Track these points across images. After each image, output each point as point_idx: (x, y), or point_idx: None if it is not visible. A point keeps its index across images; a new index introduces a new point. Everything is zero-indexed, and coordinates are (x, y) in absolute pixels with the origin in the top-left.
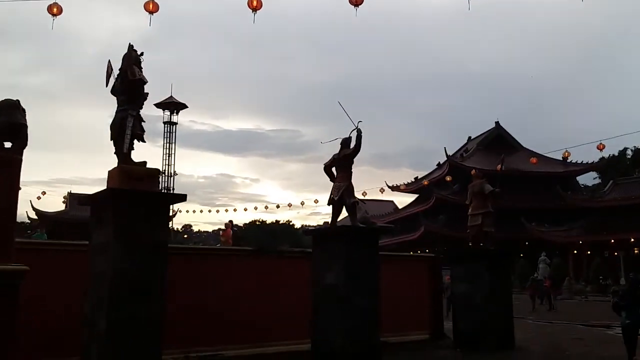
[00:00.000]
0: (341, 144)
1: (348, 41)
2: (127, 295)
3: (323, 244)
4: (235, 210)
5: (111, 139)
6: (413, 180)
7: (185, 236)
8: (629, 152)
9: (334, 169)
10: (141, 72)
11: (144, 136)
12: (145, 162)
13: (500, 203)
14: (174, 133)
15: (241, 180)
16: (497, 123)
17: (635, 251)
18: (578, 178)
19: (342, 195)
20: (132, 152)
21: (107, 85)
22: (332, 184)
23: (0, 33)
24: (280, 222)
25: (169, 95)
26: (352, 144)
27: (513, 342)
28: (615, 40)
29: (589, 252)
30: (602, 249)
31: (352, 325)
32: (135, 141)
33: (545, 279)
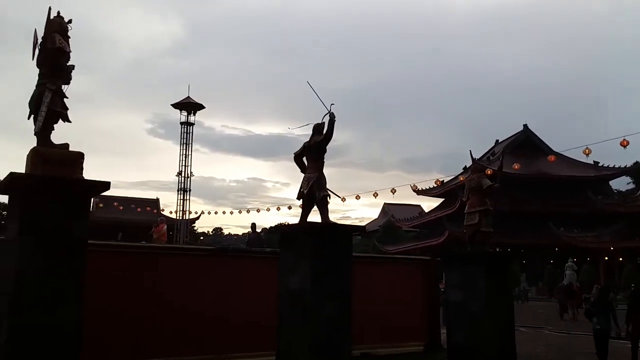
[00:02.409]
0: (313, 130)
1: (378, 46)
2: (34, 301)
3: (289, 243)
4: (264, 210)
5: (28, 118)
6: (435, 184)
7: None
8: None
9: (305, 159)
10: (65, 41)
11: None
12: (67, 145)
13: (528, 208)
14: (190, 134)
15: (272, 185)
16: (525, 126)
17: None
18: (611, 182)
19: (311, 188)
20: (53, 132)
21: (33, 58)
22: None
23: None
24: None
25: (186, 96)
26: (325, 130)
27: (514, 357)
28: None
29: (620, 259)
30: (635, 256)
31: (319, 337)
32: (61, 121)
33: (572, 284)
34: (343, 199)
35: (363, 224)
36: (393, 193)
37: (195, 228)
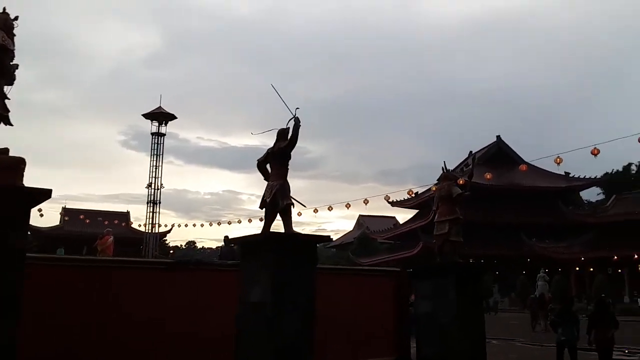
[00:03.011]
0: (277, 135)
1: (353, 57)
2: None
3: (251, 254)
4: (237, 223)
5: None
6: (408, 195)
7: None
8: (633, 167)
9: (268, 166)
10: (9, 38)
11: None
12: (6, 149)
13: (500, 219)
14: (161, 144)
15: (247, 197)
16: (498, 137)
17: None
18: (582, 193)
19: (274, 196)
20: None
21: None
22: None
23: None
24: None
25: (158, 106)
26: (289, 136)
27: None
28: (622, 53)
29: (591, 269)
30: (606, 266)
31: (280, 349)
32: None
33: (544, 295)
34: (315, 210)
35: (338, 236)
36: (366, 204)
37: (167, 242)
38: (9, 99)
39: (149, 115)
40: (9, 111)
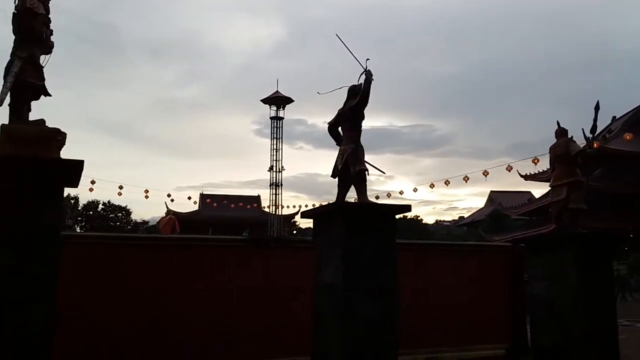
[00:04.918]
0: (348, 93)
1: (478, 29)
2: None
3: (324, 229)
4: None
5: None
6: (534, 164)
7: None
8: None
9: (340, 129)
10: (39, 1)
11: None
12: (42, 120)
13: None
14: (280, 128)
15: (376, 178)
16: None
17: None
18: None
19: (346, 162)
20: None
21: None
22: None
23: (155, 52)
24: (408, 217)
25: (275, 90)
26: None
27: None
28: None
29: None
30: None
31: (354, 343)
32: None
33: None
34: (432, 186)
35: (469, 214)
36: (485, 176)
37: (297, 223)
38: (43, 66)
39: (267, 100)
40: (44, 80)
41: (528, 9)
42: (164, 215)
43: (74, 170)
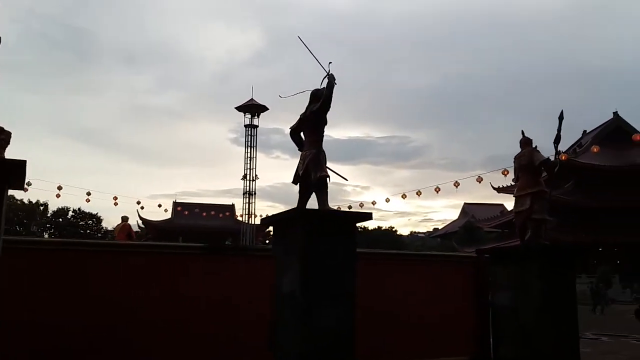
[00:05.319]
0: (310, 97)
1: (454, 42)
2: None
3: (282, 236)
4: None
5: None
6: (503, 176)
7: None
8: None
9: (302, 134)
10: None
11: None
12: None
13: (621, 203)
14: (255, 136)
15: (352, 189)
16: (615, 114)
17: None
18: None
19: (307, 168)
20: None
21: None
22: None
23: (130, 59)
24: (383, 228)
25: (250, 98)
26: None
27: None
28: None
29: None
30: None
31: (313, 351)
32: None
33: None
34: (404, 196)
35: (443, 226)
36: (456, 186)
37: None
38: None
39: (241, 108)
40: None
41: (504, 21)
42: (120, 221)
43: (16, 171)
